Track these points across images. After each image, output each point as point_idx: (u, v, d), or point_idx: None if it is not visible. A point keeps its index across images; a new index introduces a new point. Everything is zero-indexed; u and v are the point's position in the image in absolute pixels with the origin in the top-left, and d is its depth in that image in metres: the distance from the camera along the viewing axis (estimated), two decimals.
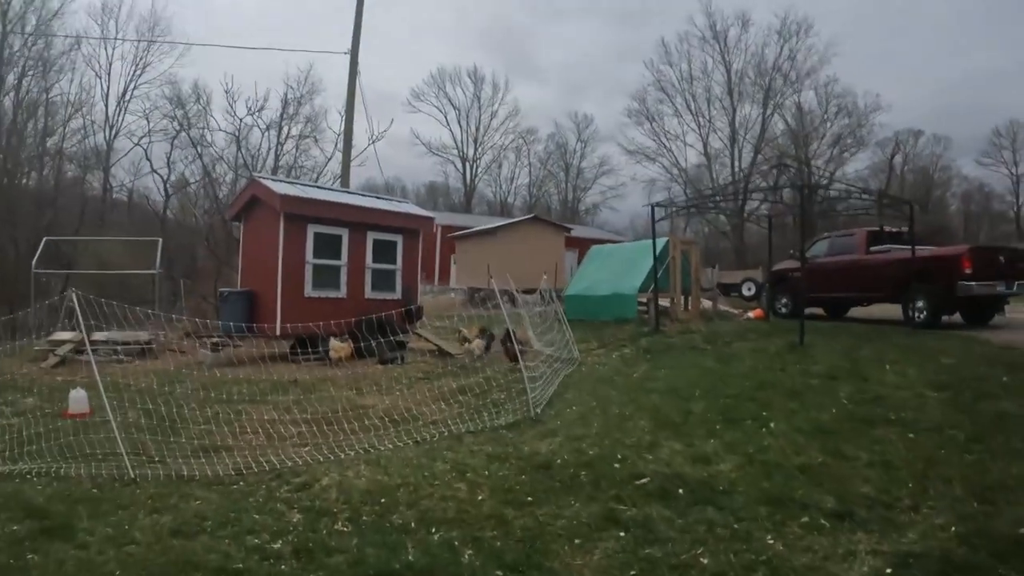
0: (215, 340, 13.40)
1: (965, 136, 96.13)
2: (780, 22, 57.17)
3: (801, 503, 4.59)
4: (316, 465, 5.80)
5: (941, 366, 9.22)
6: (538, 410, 7.41)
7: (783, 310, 19.05)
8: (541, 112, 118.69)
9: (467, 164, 75.52)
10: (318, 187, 16.43)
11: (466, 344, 11.99)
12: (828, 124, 56.18)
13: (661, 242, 16.53)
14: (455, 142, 75.00)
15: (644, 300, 16.94)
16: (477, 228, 35.27)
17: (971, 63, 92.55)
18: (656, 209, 15.33)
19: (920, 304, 15.21)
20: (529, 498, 4.83)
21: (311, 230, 13.17)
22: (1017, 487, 4.81)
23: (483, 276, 27.59)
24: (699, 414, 7.09)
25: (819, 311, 18.88)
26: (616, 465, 5.50)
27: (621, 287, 17.31)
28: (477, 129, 75.02)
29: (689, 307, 17.09)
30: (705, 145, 59.89)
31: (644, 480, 5.11)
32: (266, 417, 7.66)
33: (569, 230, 35.39)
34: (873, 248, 17.11)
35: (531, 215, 36.62)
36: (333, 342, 11.90)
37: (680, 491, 4.88)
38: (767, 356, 10.55)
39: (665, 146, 61.24)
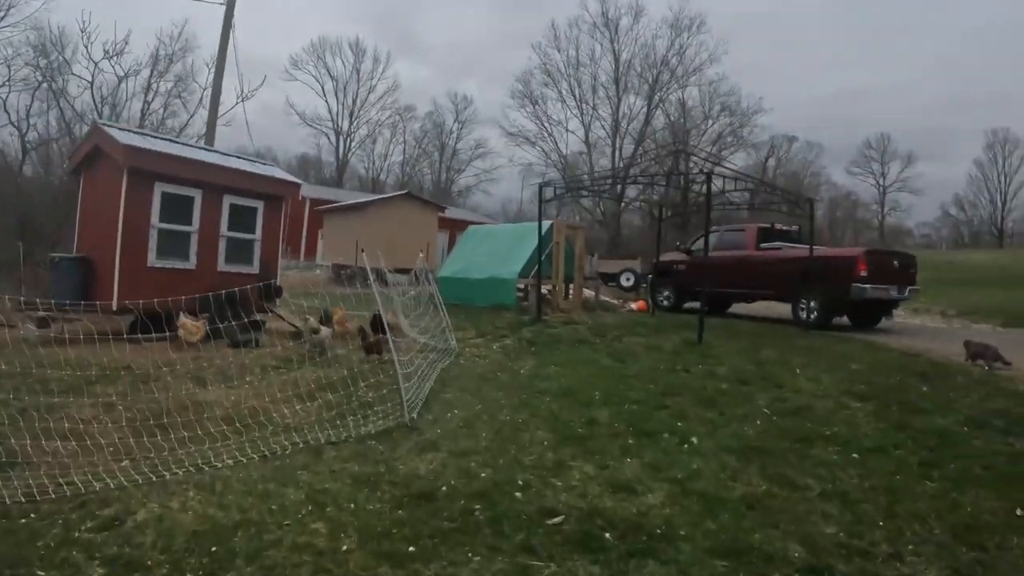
0: (42, 314, 11.53)
1: (837, 145, 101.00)
2: (674, 16, 57.87)
3: (763, 553, 3.66)
4: (133, 489, 4.38)
5: (853, 373, 8.78)
6: (414, 414, 6.18)
7: (665, 303, 18.71)
8: (421, 90, 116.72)
9: (341, 138, 73.57)
10: (170, 140, 14.44)
11: (313, 335, 9.85)
12: (710, 122, 57.19)
13: (544, 226, 15.68)
14: (331, 114, 72.87)
15: (523, 286, 16.09)
16: (347, 202, 33.61)
17: (848, 77, 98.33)
18: (545, 190, 14.41)
19: (812, 304, 15.03)
20: (411, 547, 3.64)
21: (159, 189, 11.30)
22: (1001, 526, 4.10)
23: (351, 253, 26.18)
24: (605, 424, 6.15)
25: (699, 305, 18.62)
26: (518, 495, 4.41)
27: (500, 271, 16.33)
28: (354, 102, 73.25)
29: (571, 296, 16.33)
30: (587, 133, 59.88)
31: (558, 519, 4.04)
32: (82, 416, 6.01)
33: (443, 209, 34.20)
34: (764, 245, 16.89)
35: (404, 191, 35.18)
36: (184, 320, 10.13)
37: (607, 536, 3.84)
38: (665, 354, 9.86)
39: (547, 130, 60.94)
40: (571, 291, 16.43)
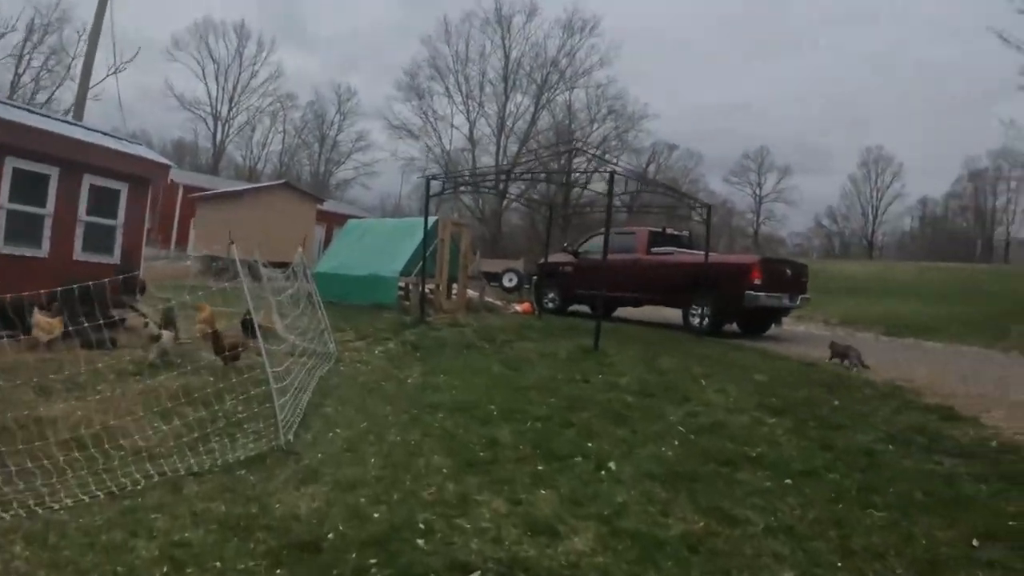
0: None
1: (716, 155, 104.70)
2: (567, 16, 58.05)
3: None
4: None
5: (759, 384, 8.76)
6: (290, 435, 5.47)
7: (550, 305, 18.41)
8: (305, 80, 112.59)
9: (219, 123, 70.38)
10: (27, 109, 12.87)
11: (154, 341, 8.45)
12: (595, 125, 57.59)
13: (429, 222, 15.08)
14: (210, 99, 69.47)
15: (403, 285, 15.44)
16: (222, 190, 32.00)
17: (732, 91, 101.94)
18: (432, 184, 13.79)
19: (703, 310, 15.02)
20: None
21: (9, 164, 9.98)
22: (963, 560, 3.87)
23: (224, 244, 24.74)
24: (509, 445, 5.62)
25: (584, 308, 18.49)
26: (421, 542, 3.77)
27: (381, 268, 15.62)
28: (235, 88, 70.25)
29: (455, 296, 15.78)
30: (472, 129, 59.33)
31: None
32: None
33: (321, 201, 33.04)
34: (655, 249, 16.80)
35: (282, 181, 33.72)
36: (39, 316, 8.59)
37: None
38: (561, 362, 9.50)
39: (432, 125, 60.05)
40: (454, 291, 15.90)
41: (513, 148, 56.14)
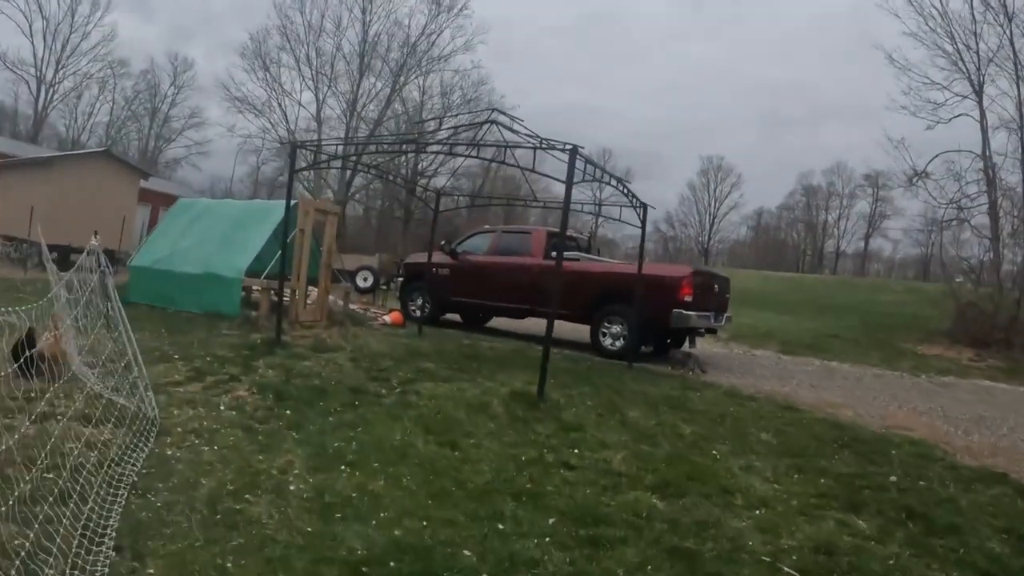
0: None
1: (561, 155, 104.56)
2: None
3: None
4: None
5: (779, 451, 6.65)
6: None
7: (418, 313, 15.39)
8: (141, 47, 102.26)
9: (43, 88, 61.23)
10: None
11: None
12: (450, 113, 53.79)
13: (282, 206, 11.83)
14: (35, 59, 60.30)
15: (252, 289, 12.05)
16: (26, 157, 26.95)
17: (581, 93, 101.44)
18: (299, 154, 10.35)
19: (616, 329, 12.49)
20: None
21: None
22: None
23: (26, 223, 20.70)
24: None
25: (453, 315, 16.10)
26: None
27: (221, 265, 12.07)
28: (63, 49, 61.26)
29: (313, 303, 12.55)
30: (319, 108, 54.61)
31: None
32: None
33: (146, 176, 28.37)
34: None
35: (102, 149, 28.68)
36: None
37: None
38: (505, 426, 6.55)
39: (277, 101, 54.89)
40: (311, 298, 12.69)
41: (365, 130, 51.90)
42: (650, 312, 12.03)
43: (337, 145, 10.01)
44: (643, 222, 11.82)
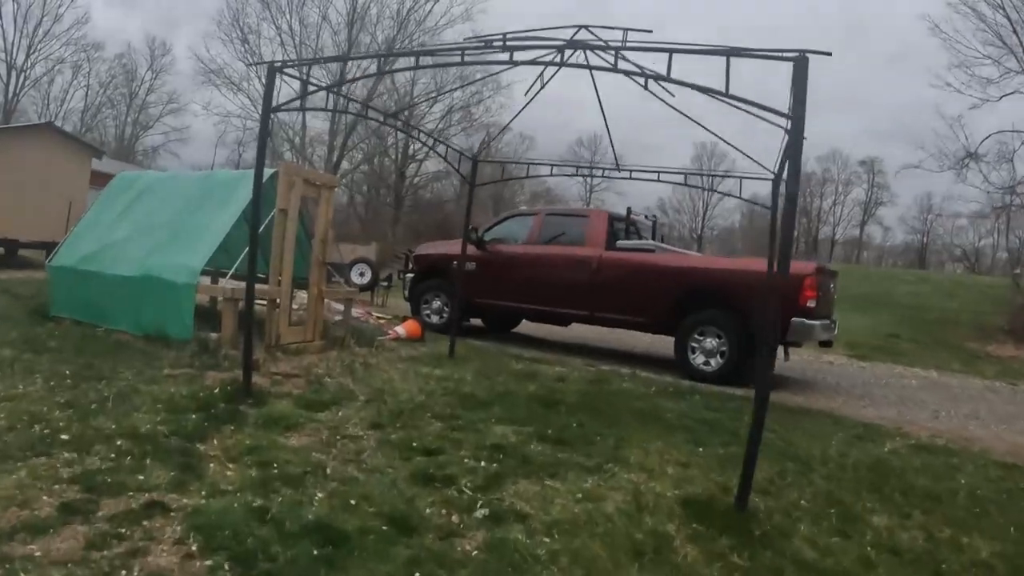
0: None
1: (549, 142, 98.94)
2: None
3: None
4: None
5: None
6: None
7: (434, 318, 11.78)
8: (116, 29, 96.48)
9: (14, 73, 56.35)
10: None
11: None
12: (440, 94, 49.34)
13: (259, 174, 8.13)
14: (5, 43, 55.48)
15: (212, 298, 8.28)
16: None
17: (570, 75, 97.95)
18: (282, 73, 6.36)
19: (711, 344, 9.12)
20: None
21: None
22: None
23: None
24: None
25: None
26: None
27: (165, 264, 8.20)
28: (35, 31, 56.29)
29: (301, 311, 8.89)
30: (305, 83, 49.86)
31: None
32: None
33: (99, 154, 24.28)
34: (621, 244, 10.78)
35: (45, 122, 24.44)
36: None
37: None
38: None
39: (257, 75, 50.21)
40: (299, 305, 9.02)
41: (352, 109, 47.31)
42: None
43: (333, 61, 6.20)
44: (775, 198, 8.14)
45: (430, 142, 8.91)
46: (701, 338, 9.61)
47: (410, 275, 13.06)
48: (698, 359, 9.63)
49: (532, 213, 12.45)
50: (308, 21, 49.36)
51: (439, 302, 12.33)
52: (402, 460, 4.71)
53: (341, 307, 10.50)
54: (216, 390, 5.92)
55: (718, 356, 9.49)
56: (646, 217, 12.81)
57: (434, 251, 12.98)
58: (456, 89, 42.68)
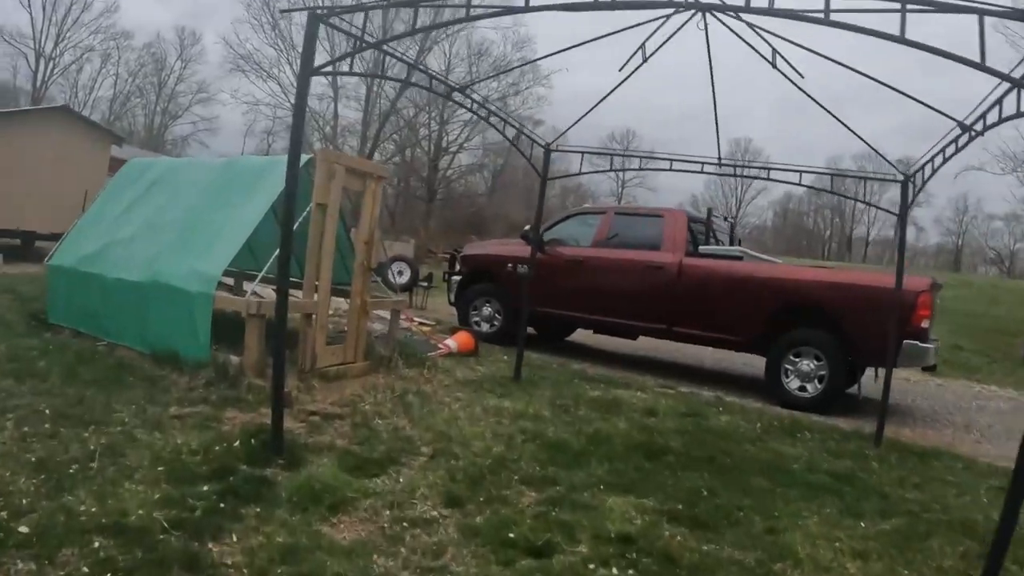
0: None
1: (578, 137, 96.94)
2: None
3: None
4: None
5: None
6: None
7: (485, 327, 10.49)
8: (146, 18, 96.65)
9: (43, 61, 55.73)
10: None
11: None
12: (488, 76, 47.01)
13: (282, 166, 6.71)
14: (33, 31, 54.72)
15: (232, 307, 6.82)
16: None
17: (596, 74, 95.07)
18: (325, 28, 4.79)
19: (808, 367, 7.80)
20: None
21: None
22: None
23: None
24: None
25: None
26: None
27: (176, 269, 6.72)
28: (64, 20, 55.53)
29: (340, 328, 7.50)
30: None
31: None
32: None
33: (119, 141, 22.95)
34: (705, 250, 9.37)
35: (60, 105, 22.89)
36: None
37: None
38: None
39: (288, 60, 48.58)
40: (337, 313, 7.61)
41: (388, 98, 45.36)
42: (870, 343, 7.33)
43: (401, 5, 4.62)
44: (903, 206, 6.61)
45: (501, 125, 7.29)
46: (797, 360, 8.28)
47: (456, 277, 11.63)
48: (792, 384, 8.28)
49: (599, 211, 10.96)
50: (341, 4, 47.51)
51: (490, 309, 10.92)
52: (501, 566, 3.28)
53: (386, 315, 9.04)
54: (236, 442, 4.50)
55: (816, 381, 8.13)
56: (725, 219, 11.36)
57: (484, 251, 11.55)
58: (515, 68, 40.77)
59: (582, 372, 8.72)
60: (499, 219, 44.70)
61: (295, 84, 5.55)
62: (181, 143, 62.60)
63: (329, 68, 5.05)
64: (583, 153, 8.29)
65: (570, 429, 5.77)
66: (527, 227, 10.44)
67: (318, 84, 45.39)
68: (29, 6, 54.94)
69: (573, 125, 8.01)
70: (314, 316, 6.43)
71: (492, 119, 7.31)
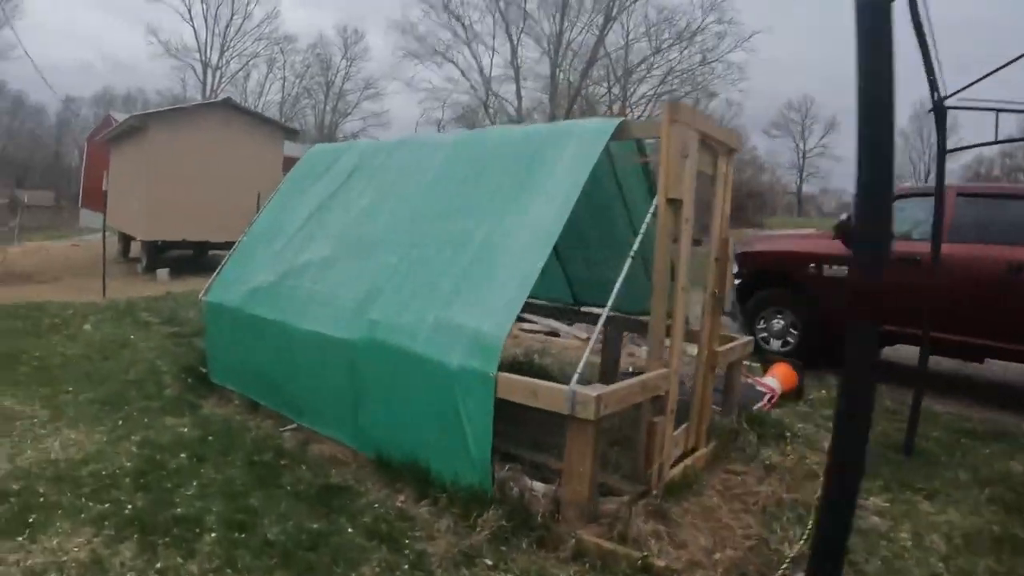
0: None
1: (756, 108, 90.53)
2: None
3: None
4: None
5: None
6: None
7: (773, 343, 8.29)
8: (306, 21, 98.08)
9: (210, 71, 58.23)
10: None
11: None
12: (658, 54, 43.52)
13: (597, 124, 3.88)
14: (198, 44, 57.33)
15: (552, 405, 3.80)
16: (121, 119, 20.63)
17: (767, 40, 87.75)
18: None
19: None
20: None
21: None
22: None
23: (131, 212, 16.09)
24: None
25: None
26: None
27: (420, 315, 3.82)
28: (227, 30, 58.00)
29: (694, 399, 4.52)
30: (514, 52, 45.18)
31: None
32: None
33: (293, 134, 20.81)
34: None
35: (222, 98, 20.85)
36: None
37: None
38: None
39: (465, 42, 46.40)
40: (679, 363, 4.70)
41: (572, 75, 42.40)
42: None
43: None
44: None
45: None
46: None
47: (736, 281, 8.58)
48: None
49: (931, 193, 7.57)
50: None
51: (783, 321, 7.94)
52: None
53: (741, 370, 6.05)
54: None
55: None
56: None
57: (773, 247, 8.59)
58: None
59: (961, 417, 5.71)
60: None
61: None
62: (352, 139, 63.33)
63: None
64: (997, 112, 4.91)
65: None
66: (844, 215, 7.29)
67: (497, 64, 42.88)
68: (191, 20, 57.76)
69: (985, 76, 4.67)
70: (667, 393, 3.54)
71: None
